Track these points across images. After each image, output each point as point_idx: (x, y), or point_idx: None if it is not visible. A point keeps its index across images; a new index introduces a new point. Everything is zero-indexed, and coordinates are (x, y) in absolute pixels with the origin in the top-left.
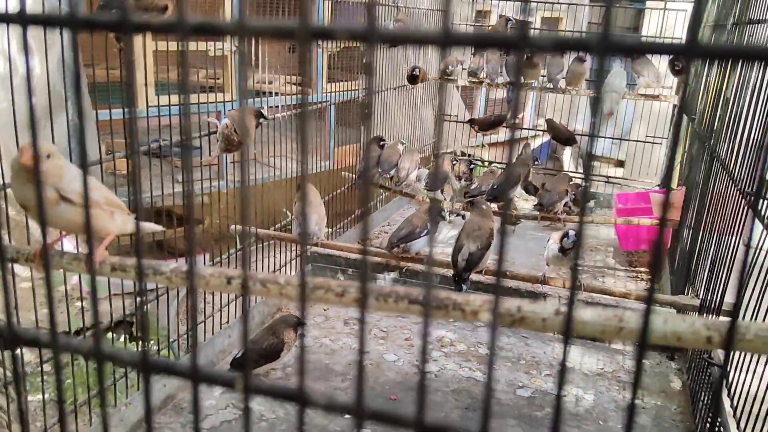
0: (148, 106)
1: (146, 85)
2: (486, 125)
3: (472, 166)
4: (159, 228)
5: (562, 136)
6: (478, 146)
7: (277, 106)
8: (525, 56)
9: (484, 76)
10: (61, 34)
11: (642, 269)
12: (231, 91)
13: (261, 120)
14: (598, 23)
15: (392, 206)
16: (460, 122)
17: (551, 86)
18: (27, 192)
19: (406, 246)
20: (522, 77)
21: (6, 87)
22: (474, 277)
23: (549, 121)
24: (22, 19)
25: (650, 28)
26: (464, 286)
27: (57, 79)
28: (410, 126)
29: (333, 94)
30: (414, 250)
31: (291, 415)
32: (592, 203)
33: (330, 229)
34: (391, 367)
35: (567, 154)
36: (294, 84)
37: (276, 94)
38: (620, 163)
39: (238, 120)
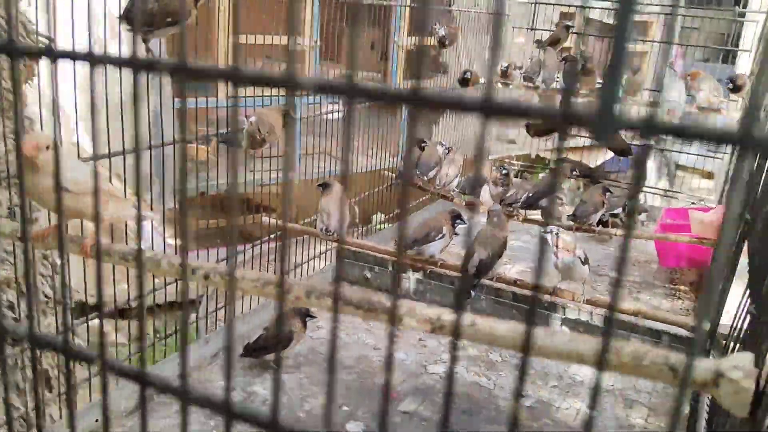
0: (227, 97)
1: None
2: (542, 131)
3: (505, 171)
4: (155, 216)
5: (617, 148)
6: (549, 150)
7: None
8: (581, 64)
9: (540, 81)
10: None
11: (682, 287)
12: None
13: (288, 119)
14: (695, 28)
15: (436, 208)
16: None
17: None
18: (29, 181)
19: (421, 249)
20: (577, 84)
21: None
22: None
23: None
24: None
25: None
26: (473, 292)
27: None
28: (464, 129)
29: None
30: (428, 253)
31: None
32: (643, 216)
33: (365, 227)
34: (398, 366)
35: (651, 165)
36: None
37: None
38: (709, 175)
39: (262, 118)
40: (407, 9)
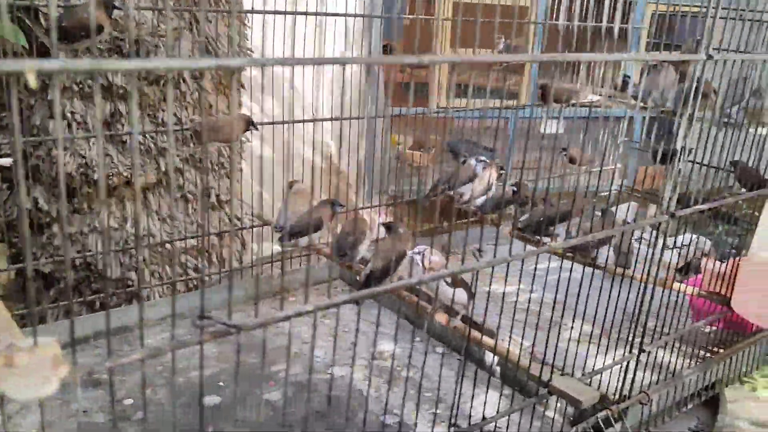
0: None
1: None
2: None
3: (515, 188)
4: None
5: (750, 180)
6: None
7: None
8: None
9: (651, 103)
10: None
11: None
12: (524, 97)
13: (251, 128)
14: None
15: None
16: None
17: (726, 120)
18: None
19: (351, 254)
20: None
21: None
22: None
23: (735, 163)
24: None
25: None
26: (362, 302)
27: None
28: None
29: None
30: (357, 259)
31: None
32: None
33: None
34: (303, 361)
35: None
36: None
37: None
38: None
39: (208, 120)
40: None
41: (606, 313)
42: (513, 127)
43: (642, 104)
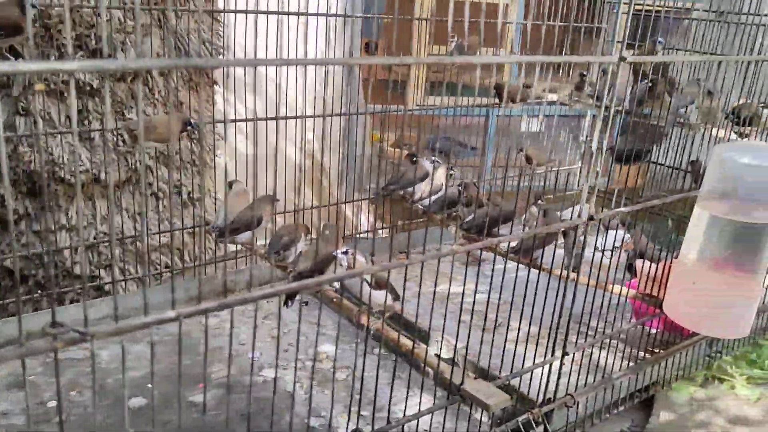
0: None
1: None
2: (618, 158)
3: (461, 189)
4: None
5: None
6: None
7: None
8: (649, 84)
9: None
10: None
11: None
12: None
13: (188, 127)
14: None
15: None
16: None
17: (680, 121)
18: None
19: (285, 254)
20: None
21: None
22: None
23: (692, 164)
24: None
25: None
26: (290, 303)
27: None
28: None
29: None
30: (291, 259)
31: None
32: None
33: None
34: (240, 362)
35: None
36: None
37: None
38: None
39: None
40: None
41: (543, 313)
42: (492, 124)
43: (598, 104)
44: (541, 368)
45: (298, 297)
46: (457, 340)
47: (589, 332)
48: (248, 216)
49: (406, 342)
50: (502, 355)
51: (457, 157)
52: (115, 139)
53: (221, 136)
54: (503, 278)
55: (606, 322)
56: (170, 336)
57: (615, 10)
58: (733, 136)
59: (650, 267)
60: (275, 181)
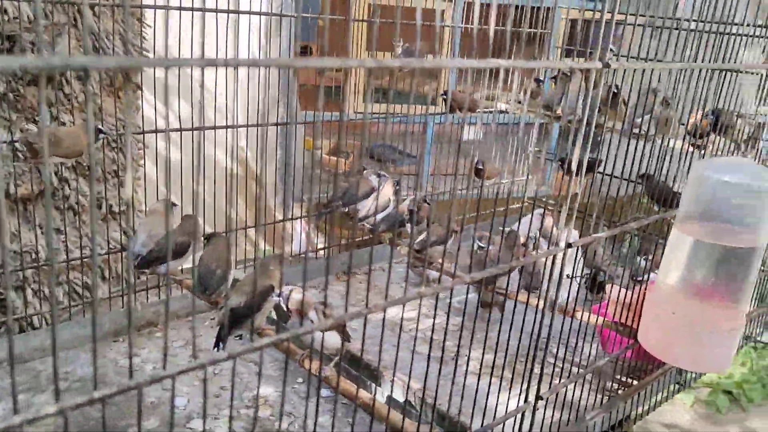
0: (356, 112)
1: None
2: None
3: (413, 208)
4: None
5: (659, 194)
6: None
7: None
8: (609, 93)
9: (560, 111)
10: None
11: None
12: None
13: (100, 135)
14: None
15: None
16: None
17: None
18: None
19: (219, 290)
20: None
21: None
22: None
23: (646, 178)
24: None
25: None
26: (222, 345)
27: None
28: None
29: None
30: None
31: None
32: None
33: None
34: (161, 413)
35: None
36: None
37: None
38: None
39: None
40: None
41: (508, 343)
42: (431, 132)
43: (549, 113)
44: (514, 417)
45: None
46: (410, 378)
47: (557, 364)
48: (177, 242)
49: (347, 387)
50: (462, 393)
51: (395, 165)
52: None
53: (141, 144)
54: (467, 302)
55: (574, 352)
56: (80, 382)
57: (554, 16)
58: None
59: (620, 292)
60: (204, 193)
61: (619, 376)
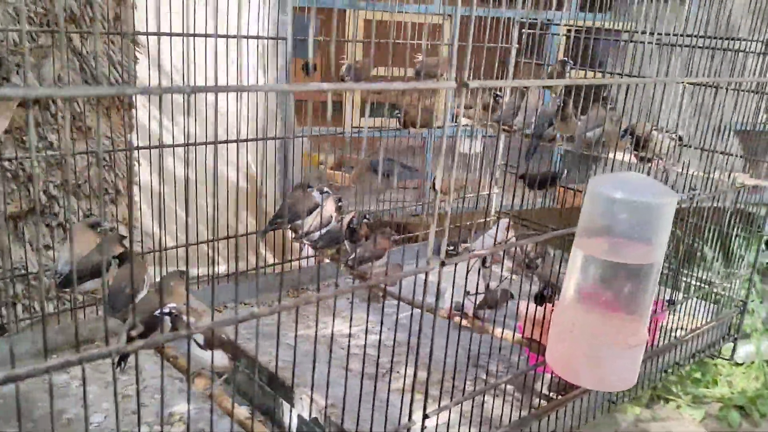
0: (352, 127)
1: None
2: (532, 183)
3: (353, 225)
4: None
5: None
6: None
7: None
8: (558, 106)
9: (516, 126)
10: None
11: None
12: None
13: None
14: None
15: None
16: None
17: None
18: None
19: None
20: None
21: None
22: None
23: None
24: None
25: None
26: (123, 365)
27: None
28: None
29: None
30: None
31: None
32: None
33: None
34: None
35: None
36: None
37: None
38: None
39: None
40: None
41: (429, 358)
42: (429, 146)
43: (506, 127)
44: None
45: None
46: (327, 395)
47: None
48: (95, 260)
49: (240, 413)
50: (372, 411)
51: (401, 179)
52: (12, 166)
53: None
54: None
55: (488, 371)
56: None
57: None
58: (634, 160)
59: (529, 307)
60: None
61: (548, 392)
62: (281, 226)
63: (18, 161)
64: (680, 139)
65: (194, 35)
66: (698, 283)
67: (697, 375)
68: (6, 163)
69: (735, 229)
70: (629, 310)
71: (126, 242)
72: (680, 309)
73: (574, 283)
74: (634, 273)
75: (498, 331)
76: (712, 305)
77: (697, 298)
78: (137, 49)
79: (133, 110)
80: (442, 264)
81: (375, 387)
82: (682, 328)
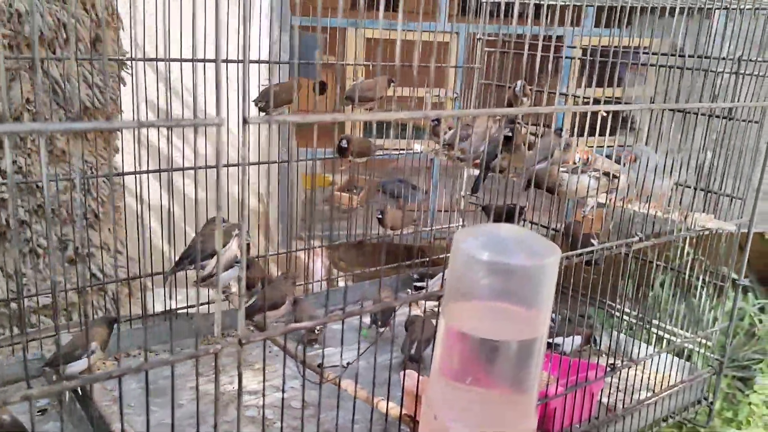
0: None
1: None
2: (496, 216)
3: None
4: None
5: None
6: None
7: None
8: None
9: (459, 153)
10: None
11: None
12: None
13: None
14: None
15: None
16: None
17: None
18: None
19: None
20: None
21: None
22: None
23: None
24: None
25: None
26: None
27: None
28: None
29: None
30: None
31: None
32: None
33: None
34: None
35: None
36: None
37: None
38: None
39: None
40: None
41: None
42: (437, 167)
43: (450, 155)
44: None
45: None
46: None
47: None
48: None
49: None
50: None
51: (409, 201)
52: None
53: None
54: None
55: None
56: None
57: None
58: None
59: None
60: None
61: None
62: (186, 267)
63: None
64: (610, 176)
65: (180, 60)
66: (668, 336)
67: (729, 414)
68: None
69: (699, 279)
70: (514, 388)
71: None
72: (650, 366)
73: (442, 358)
74: (510, 349)
75: (382, 404)
76: (684, 362)
77: (668, 353)
78: (125, 69)
79: (117, 132)
80: (240, 343)
81: None
82: (649, 389)
